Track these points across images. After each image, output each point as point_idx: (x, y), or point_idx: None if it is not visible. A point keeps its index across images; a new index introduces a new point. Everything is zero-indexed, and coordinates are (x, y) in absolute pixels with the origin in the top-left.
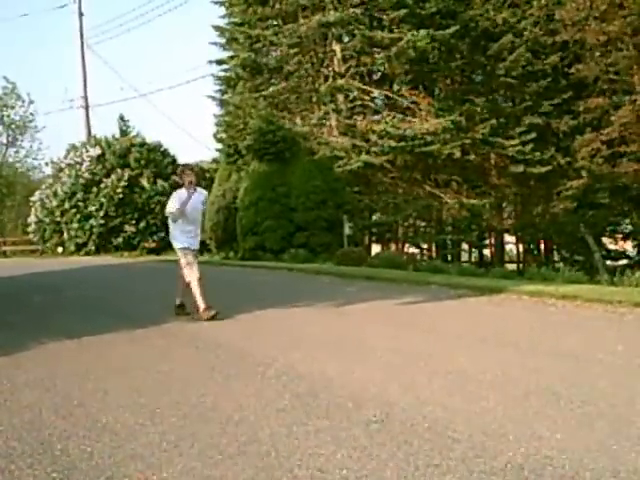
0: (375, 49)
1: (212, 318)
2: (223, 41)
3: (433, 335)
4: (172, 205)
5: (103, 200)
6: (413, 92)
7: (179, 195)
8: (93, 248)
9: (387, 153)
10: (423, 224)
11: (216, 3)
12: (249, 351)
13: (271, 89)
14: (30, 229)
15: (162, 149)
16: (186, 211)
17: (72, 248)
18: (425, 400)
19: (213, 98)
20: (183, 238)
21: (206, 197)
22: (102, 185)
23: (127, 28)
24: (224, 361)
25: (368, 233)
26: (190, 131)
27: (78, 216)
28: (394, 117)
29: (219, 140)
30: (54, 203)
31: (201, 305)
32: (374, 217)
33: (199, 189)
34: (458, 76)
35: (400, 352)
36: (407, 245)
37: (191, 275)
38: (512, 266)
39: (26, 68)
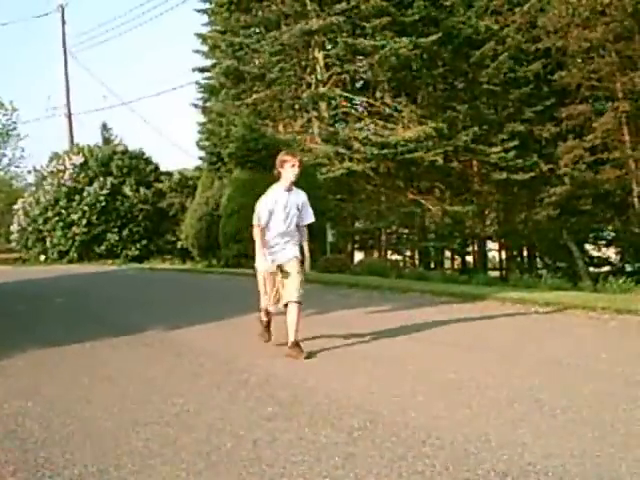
0: (358, 57)
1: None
2: (206, 49)
3: (416, 342)
4: (261, 215)
5: (86, 208)
6: (396, 99)
7: (274, 197)
8: (76, 256)
9: (370, 160)
10: (406, 231)
11: (199, 11)
12: (232, 359)
13: (254, 97)
14: (13, 237)
15: (145, 157)
16: (277, 216)
17: (55, 256)
18: (408, 407)
19: (196, 106)
20: (265, 257)
21: (305, 201)
22: (85, 193)
23: (110, 36)
24: (207, 369)
25: (351, 240)
26: (173, 139)
27: (61, 224)
28: (377, 124)
29: (202, 147)
30: (37, 211)
31: (290, 337)
32: (357, 224)
33: (296, 189)
34: (440, 83)
35: (383, 359)
36: (390, 252)
37: (264, 301)
38: (495, 273)
39: (9, 76)
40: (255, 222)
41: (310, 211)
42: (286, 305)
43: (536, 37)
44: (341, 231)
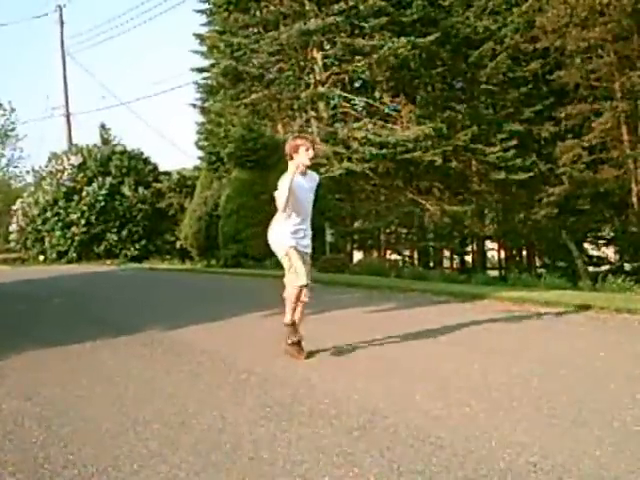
0: (356, 56)
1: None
2: (204, 49)
3: (415, 341)
4: (282, 200)
5: (84, 208)
6: (394, 99)
7: (292, 180)
8: (75, 256)
9: (369, 160)
10: (405, 231)
11: (198, 11)
12: (231, 358)
13: (252, 97)
14: (12, 237)
15: (143, 157)
16: (299, 201)
17: (54, 256)
18: (408, 406)
19: (194, 106)
20: (290, 236)
21: (318, 183)
22: (84, 193)
23: (109, 36)
24: (207, 368)
25: (350, 240)
26: (172, 139)
27: (60, 224)
28: (375, 124)
29: (201, 148)
30: (36, 211)
31: (287, 318)
32: (356, 224)
33: (309, 171)
34: (439, 83)
35: (382, 359)
36: (389, 252)
37: (295, 281)
38: (494, 272)
39: (7, 76)
40: (281, 205)
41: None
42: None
43: (534, 37)
44: (340, 231)
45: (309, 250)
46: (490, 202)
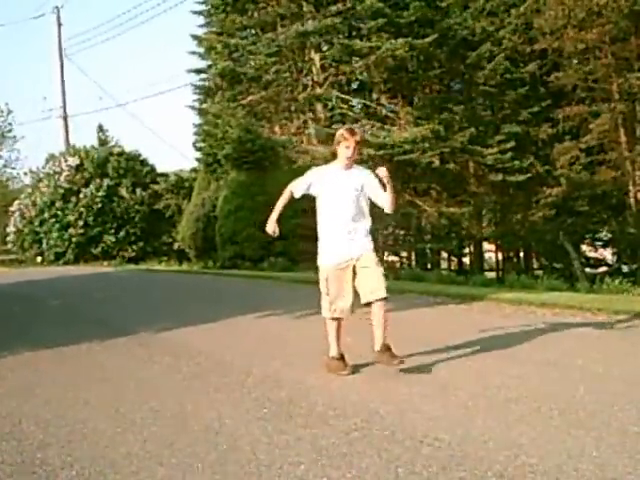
0: (354, 58)
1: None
2: (202, 50)
3: (412, 343)
4: (298, 184)
5: (82, 209)
6: (392, 101)
7: (323, 172)
8: (72, 257)
9: (366, 162)
10: (402, 232)
11: (195, 12)
12: (229, 359)
13: (250, 98)
14: (9, 239)
15: (141, 158)
16: (330, 198)
17: (51, 258)
18: (405, 408)
19: (192, 107)
20: (328, 249)
21: (368, 181)
22: (81, 195)
23: (106, 37)
24: (204, 369)
25: None
26: (169, 140)
27: (57, 226)
28: (373, 126)
29: (198, 149)
30: (33, 213)
31: (332, 351)
32: None
33: (358, 167)
34: (437, 84)
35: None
36: (386, 253)
37: (327, 310)
38: (492, 274)
39: (4, 77)
40: (289, 187)
41: (380, 194)
42: (367, 304)
43: (532, 38)
44: None
45: (364, 249)
46: (487, 204)
